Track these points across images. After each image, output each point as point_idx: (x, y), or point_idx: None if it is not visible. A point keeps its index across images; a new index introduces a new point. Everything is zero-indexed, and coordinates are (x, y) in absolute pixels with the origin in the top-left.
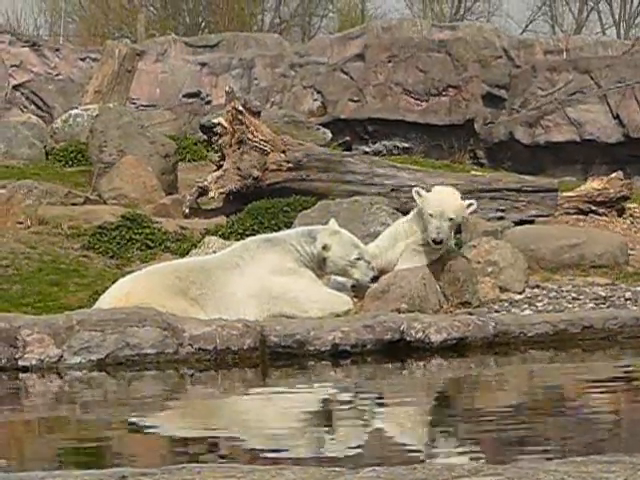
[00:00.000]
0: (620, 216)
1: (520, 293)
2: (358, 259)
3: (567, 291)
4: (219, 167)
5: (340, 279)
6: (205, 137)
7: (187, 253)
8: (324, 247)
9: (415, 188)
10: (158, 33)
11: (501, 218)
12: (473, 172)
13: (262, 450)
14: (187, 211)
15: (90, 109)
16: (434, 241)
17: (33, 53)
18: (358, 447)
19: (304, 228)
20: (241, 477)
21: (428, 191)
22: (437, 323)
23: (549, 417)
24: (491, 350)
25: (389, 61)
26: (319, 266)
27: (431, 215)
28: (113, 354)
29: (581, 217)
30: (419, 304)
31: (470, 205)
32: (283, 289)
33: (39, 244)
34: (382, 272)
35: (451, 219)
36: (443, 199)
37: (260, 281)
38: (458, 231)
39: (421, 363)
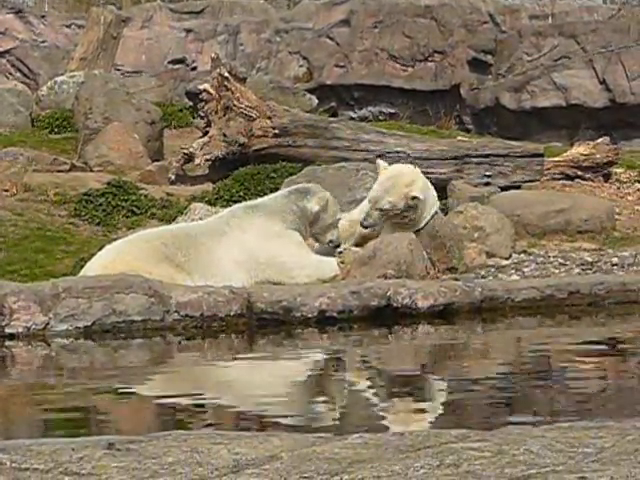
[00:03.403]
0: (606, 181)
1: (507, 259)
2: (337, 221)
3: (554, 256)
4: (205, 134)
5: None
6: (191, 103)
7: (173, 220)
8: (322, 204)
9: (380, 160)
10: None
11: (487, 184)
12: (459, 137)
13: (249, 417)
14: (173, 178)
15: (75, 76)
16: (361, 224)
17: (18, 20)
18: (345, 413)
19: (291, 187)
20: (228, 444)
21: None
22: (424, 289)
23: (536, 383)
24: (478, 316)
25: (375, 27)
26: (306, 225)
27: (368, 200)
28: (99, 321)
29: (567, 182)
30: (406, 270)
31: (414, 198)
32: (270, 255)
33: (25, 211)
34: (366, 237)
35: (382, 210)
36: (386, 187)
37: (247, 247)
38: (445, 196)
39: (408, 329)
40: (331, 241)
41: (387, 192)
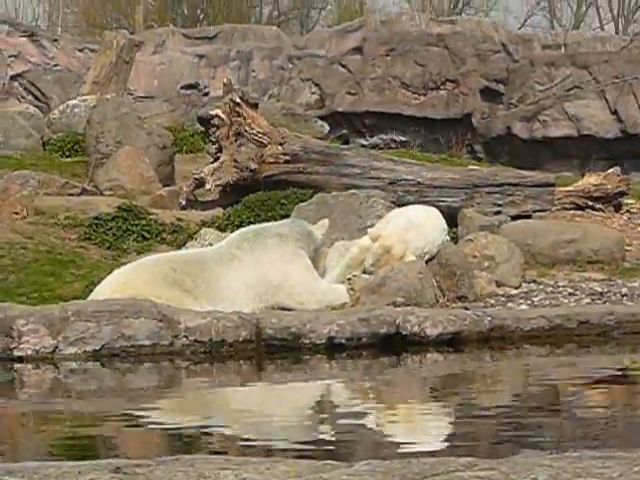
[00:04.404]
0: (617, 212)
1: (516, 288)
2: None
3: (563, 286)
4: (216, 159)
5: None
6: (202, 129)
7: (183, 245)
8: (323, 232)
9: (370, 230)
10: (156, 24)
11: (498, 212)
12: (470, 166)
13: (256, 442)
14: (184, 203)
15: (88, 100)
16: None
17: (31, 43)
18: (353, 440)
19: (289, 219)
20: (235, 469)
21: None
22: (433, 317)
23: (544, 412)
24: (487, 344)
25: (387, 55)
26: (311, 251)
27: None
28: (108, 345)
29: (578, 212)
30: (415, 298)
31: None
32: (283, 277)
33: (35, 234)
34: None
35: None
36: (380, 264)
37: (260, 268)
38: (455, 225)
39: (416, 357)
40: (323, 267)
41: (381, 269)
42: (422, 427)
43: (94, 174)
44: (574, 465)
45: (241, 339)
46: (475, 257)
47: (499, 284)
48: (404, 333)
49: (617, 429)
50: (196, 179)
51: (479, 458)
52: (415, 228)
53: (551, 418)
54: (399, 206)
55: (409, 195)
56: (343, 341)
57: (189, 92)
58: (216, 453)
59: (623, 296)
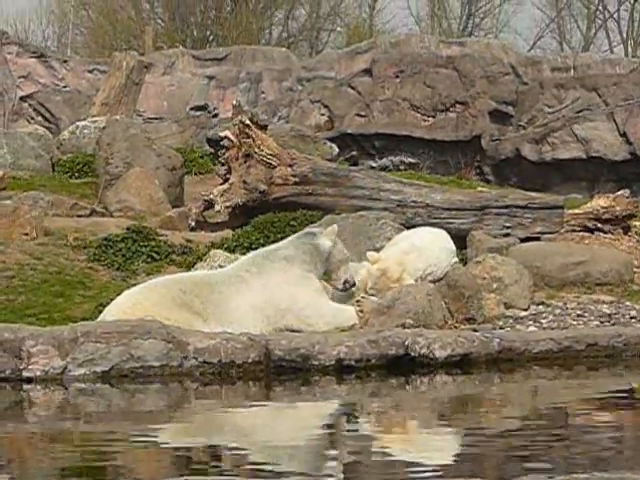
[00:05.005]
0: (626, 234)
1: (525, 310)
2: (347, 259)
3: (572, 308)
4: (225, 180)
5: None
6: (212, 150)
7: (193, 266)
8: (333, 239)
9: (369, 252)
10: (166, 46)
11: (507, 234)
12: (479, 188)
13: (264, 464)
14: (193, 224)
15: (97, 121)
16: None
17: (41, 64)
18: (361, 462)
19: (298, 234)
20: None
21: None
22: (442, 339)
23: (553, 434)
24: (495, 366)
25: (396, 76)
26: (321, 263)
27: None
28: (117, 366)
29: (587, 234)
30: (424, 319)
31: None
32: (291, 301)
33: (44, 255)
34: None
35: None
36: (379, 288)
37: (268, 293)
38: (464, 246)
39: (425, 379)
40: (346, 281)
41: (380, 292)
42: (430, 449)
43: (103, 195)
44: None
45: (250, 360)
46: (484, 279)
47: (508, 306)
48: (413, 355)
49: (626, 451)
50: (205, 200)
51: None
52: (416, 250)
53: (560, 440)
54: (408, 228)
55: (418, 217)
56: (352, 362)
57: (198, 113)
58: (225, 475)
59: (632, 318)
